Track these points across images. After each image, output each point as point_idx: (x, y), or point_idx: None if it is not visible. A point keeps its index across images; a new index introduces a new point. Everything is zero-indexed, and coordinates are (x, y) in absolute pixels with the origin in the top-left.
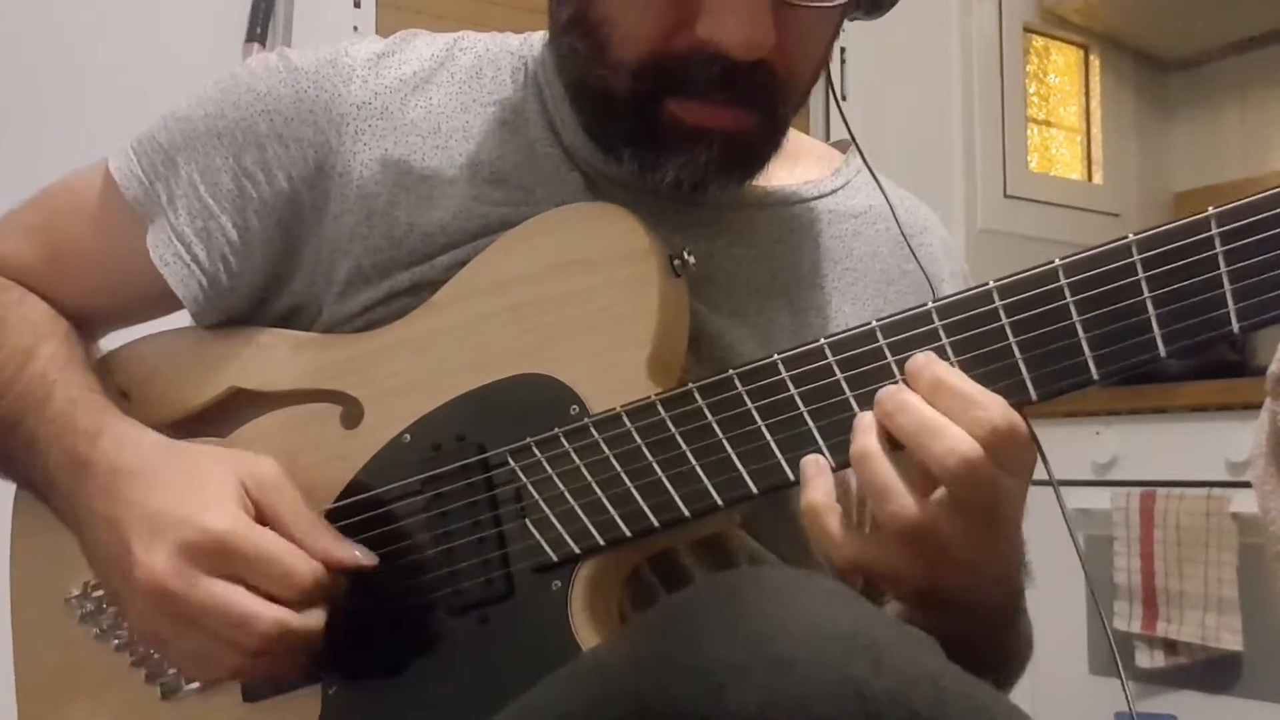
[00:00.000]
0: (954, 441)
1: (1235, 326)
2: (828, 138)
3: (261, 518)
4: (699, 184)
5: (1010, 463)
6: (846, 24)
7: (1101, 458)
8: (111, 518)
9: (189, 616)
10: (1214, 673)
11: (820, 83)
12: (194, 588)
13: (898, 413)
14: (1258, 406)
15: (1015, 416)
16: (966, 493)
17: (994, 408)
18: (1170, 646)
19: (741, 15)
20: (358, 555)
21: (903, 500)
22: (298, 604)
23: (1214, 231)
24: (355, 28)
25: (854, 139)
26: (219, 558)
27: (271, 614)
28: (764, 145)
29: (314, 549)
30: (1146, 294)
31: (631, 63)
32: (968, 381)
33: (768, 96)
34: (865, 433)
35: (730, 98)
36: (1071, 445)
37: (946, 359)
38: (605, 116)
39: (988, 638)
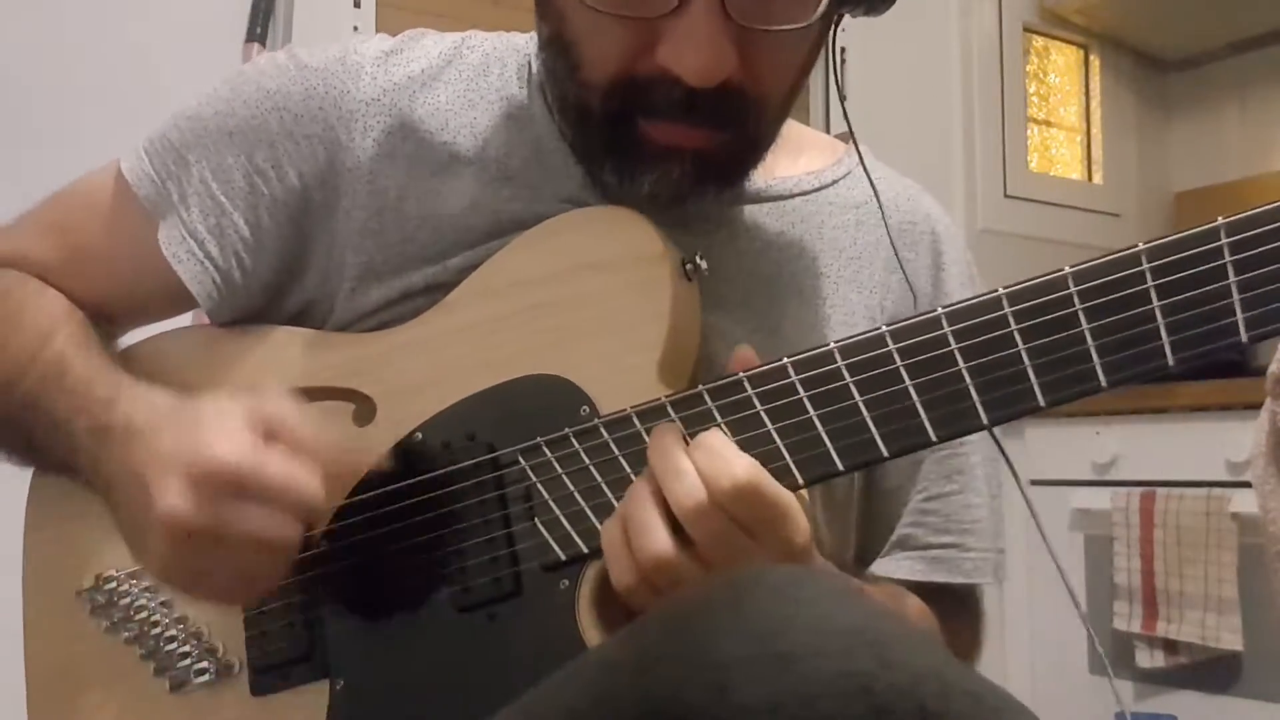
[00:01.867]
0: (691, 486)
1: (1244, 336)
2: (828, 134)
3: (275, 440)
4: (675, 198)
5: (750, 522)
6: (847, 22)
7: (1101, 458)
8: (130, 471)
9: (213, 544)
10: (1214, 673)
11: (820, 83)
12: (213, 515)
13: (653, 453)
14: (1258, 406)
15: (762, 478)
16: (703, 540)
17: (738, 464)
18: (1170, 646)
19: (699, 43)
20: (378, 460)
21: (655, 535)
22: (309, 517)
23: (1223, 241)
24: (355, 27)
25: (852, 133)
26: (231, 482)
27: (291, 527)
28: (741, 159)
29: (326, 459)
30: (1156, 303)
31: (601, 84)
32: (728, 444)
33: (737, 117)
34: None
35: (698, 120)
36: (1071, 445)
37: (955, 365)
38: (584, 131)
39: None
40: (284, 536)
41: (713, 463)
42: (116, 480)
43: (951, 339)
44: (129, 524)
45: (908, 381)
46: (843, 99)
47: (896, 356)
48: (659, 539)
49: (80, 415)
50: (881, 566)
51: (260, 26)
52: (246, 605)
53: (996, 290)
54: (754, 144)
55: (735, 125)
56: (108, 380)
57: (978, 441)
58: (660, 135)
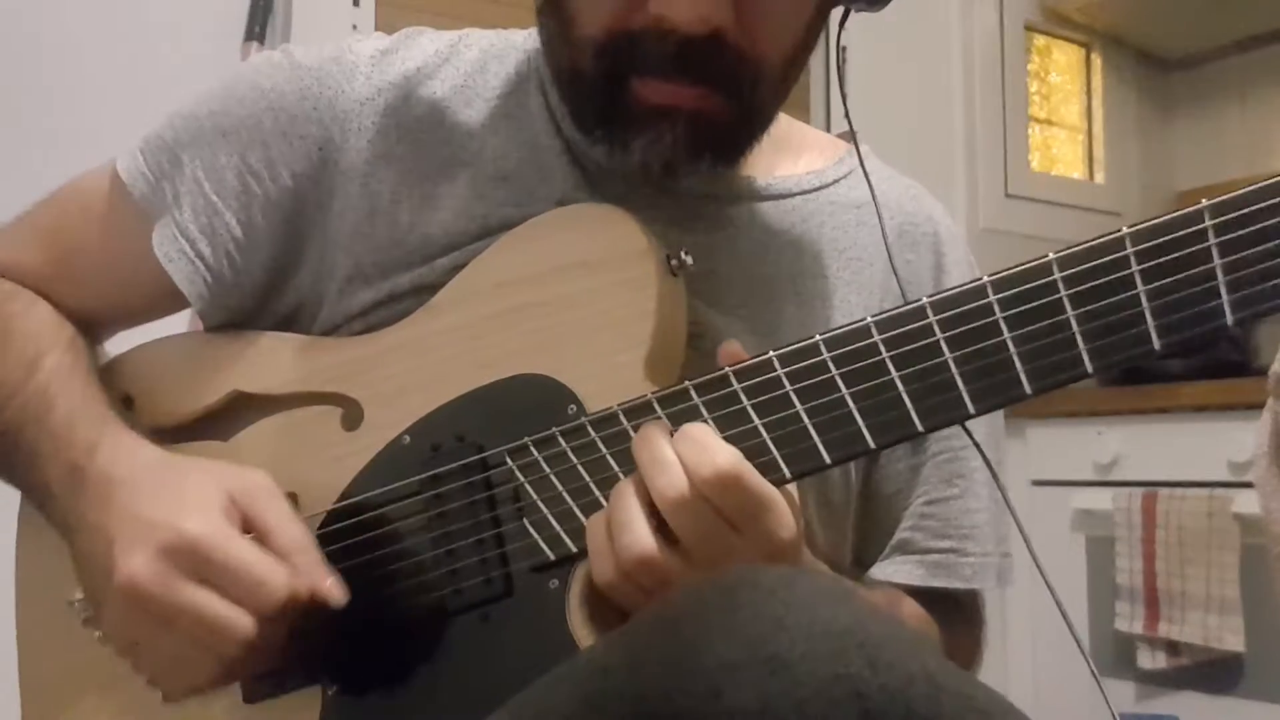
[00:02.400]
0: (674, 477)
1: (1230, 319)
2: (829, 134)
3: (248, 527)
4: (668, 166)
5: (733, 513)
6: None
7: (1103, 458)
8: (99, 524)
9: (164, 618)
10: (1216, 673)
11: (820, 82)
12: (170, 590)
13: (637, 446)
14: (1260, 407)
15: (744, 468)
16: (686, 534)
17: (720, 453)
18: (1172, 647)
19: None
20: (331, 588)
21: (637, 532)
22: (268, 617)
23: (1208, 224)
24: (354, 26)
25: (852, 128)
26: (195, 562)
27: (249, 623)
28: (736, 129)
29: (295, 564)
30: (1141, 287)
31: (594, 40)
32: (711, 434)
33: (731, 75)
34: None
35: (691, 76)
36: (1073, 446)
37: (940, 355)
38: (578, 98)
39: None
40: (228, 623)
41: (695, 453)
42: (83, 529)
43: (937, 328)
44: (89, 577)
45: (893, 372)
46: (844, 97)
47: (882, 347)
48: (641, 536)
49: (56, 458)
50: (880, 570)
51: (259, 26)
52: (171, 697)
53: (981, 278)
54: (750, 113)
55: (730, 87)
56: (91, 423)
57: (972, 445)
58: (653, 94)
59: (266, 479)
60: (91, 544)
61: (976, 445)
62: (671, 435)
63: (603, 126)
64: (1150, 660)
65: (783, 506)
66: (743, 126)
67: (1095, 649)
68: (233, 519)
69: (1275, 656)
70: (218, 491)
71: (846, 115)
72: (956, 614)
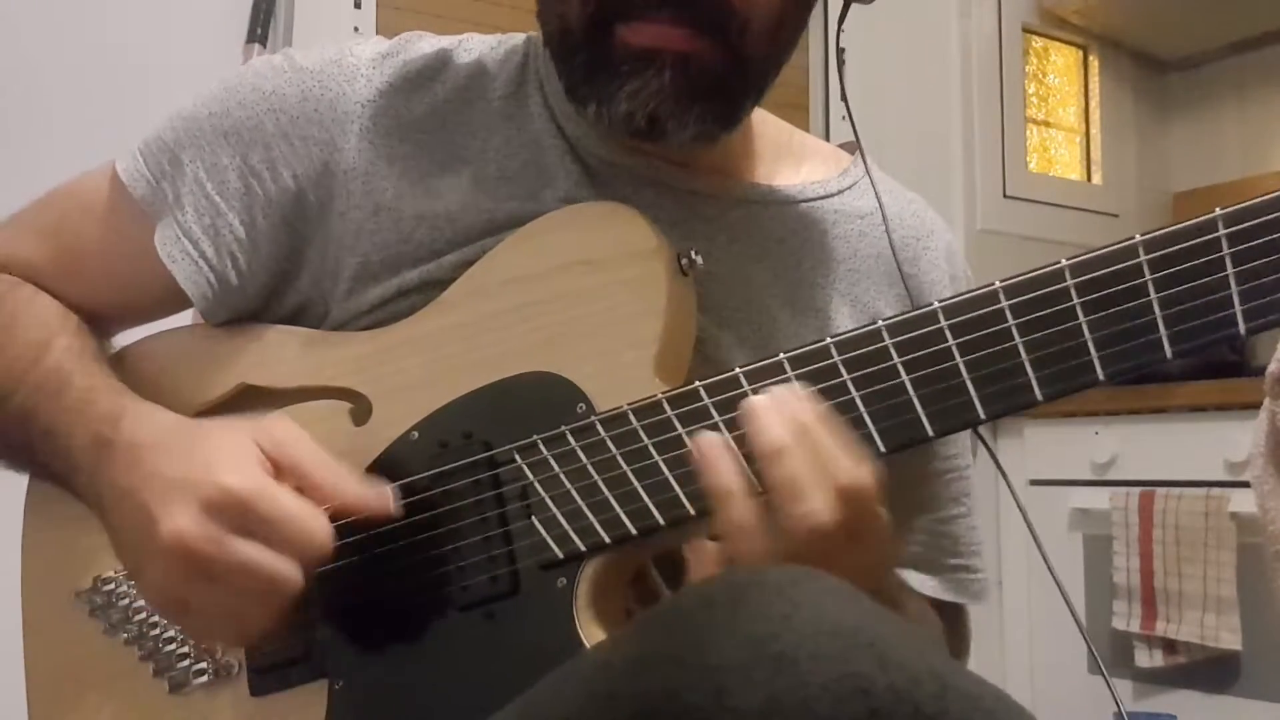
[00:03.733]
0: (812, 506)
1: (1242, 328)
2: (828, 140)
3: (281, 473)
4: (654, 116)
5: (859, 532)
6: (846, 23)
7: (1100, 457)
8: (133, 488)
9: (214, 574)
10: (1213, 672)
11: (820, 84)
12: (218, 545)
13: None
14: (1256, 406)
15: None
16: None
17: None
18: (1169, 646)
19: None
20: (386, 498)
21: (817, 502)
22: (314, 562)
23: (1221, 233)
24: (356, 28)
25: (858, 139)
26: (239, 515)
27: (295, 572)
28: (725, 79)
29: (339, 494)
30: (1153, 295)
31: None
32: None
33: (717, 17)
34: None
35: (676, 16)
36: (1071, 445)
37: (952, 360)
38: (567, 57)
39: None
40: (281, 575)
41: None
42: (116, 498)
43: (948, 333)
44: (127, 543)
45: (904, 376)
46: (845, 99)
47: (893, 351)
48: (821, 505)
49: (79, 431)
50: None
51: (261, 27)
52: (234, 645)
53: (993, 283)
54: (739, 63)
55: (716, 30)
56: (110, 395)
57: (972, 465)
58: (638, 36)
59: (289, 423)
60: (127, 510)
61: (989, 448)
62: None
63: (590, 81)
64: (1147, 659)
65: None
66: (732, 77)
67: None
68: (267, 469)
69: (1272, 655)
70: (247, 442)
71: (849, 116)
72: (958, 624)
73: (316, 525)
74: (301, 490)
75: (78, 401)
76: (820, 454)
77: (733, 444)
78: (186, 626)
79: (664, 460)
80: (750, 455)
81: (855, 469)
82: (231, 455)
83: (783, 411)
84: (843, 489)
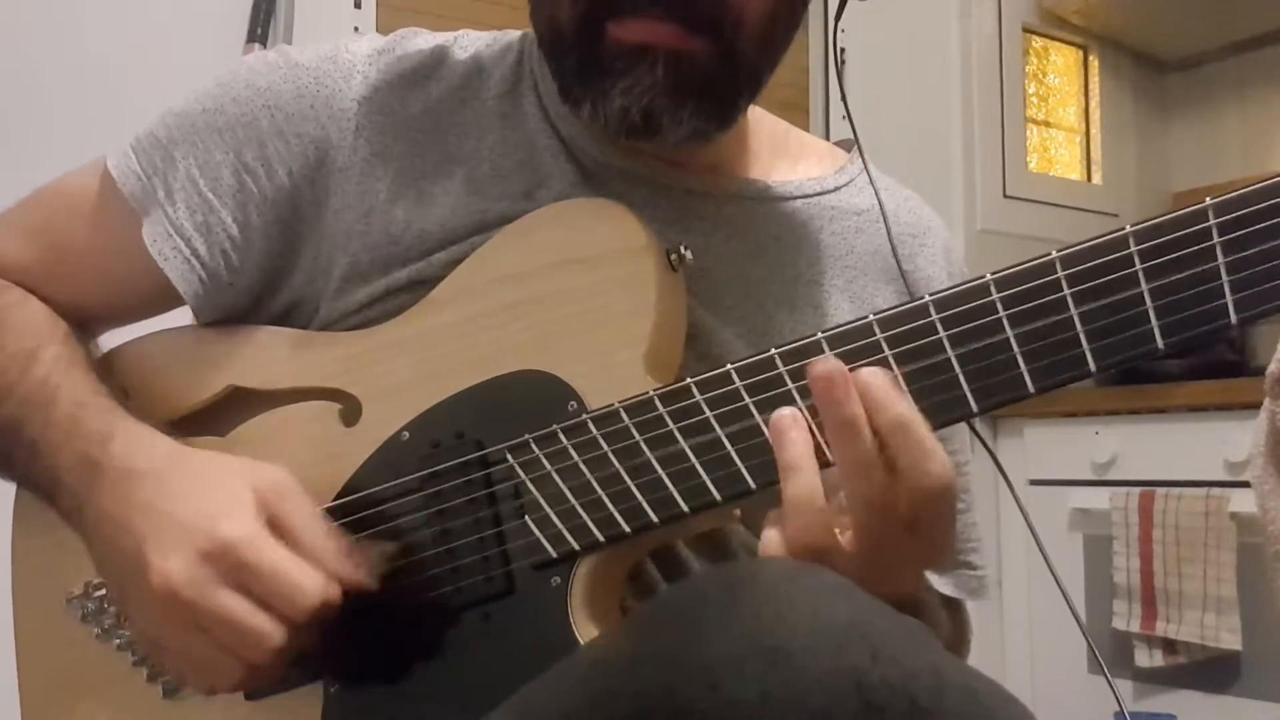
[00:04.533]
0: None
1: (1233, 318)
2: (827, 140)
3: (274, 527)
4: (648, 112)
5: (919, 521)
6: (846, 23)
7: (1101, 457)
8: (122, 518)
9: (199, 625)
10: (1213, 672)
11: (820, 84)
12: (207, 597)
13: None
14: (1256, 406)
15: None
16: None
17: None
18: (1169, 646)
19: None
20: (364, 577)
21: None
22: (302, 622)
23: (1211, 222)
24: (356, 28)
25: (856, 137)
26: (231, 567)
27: (281, 632)
28: (718, 76)
29: (324, 564)
30: (1145, 285)
31: None
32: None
33: (709, 16)
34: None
35: (666, 12)
36: (1071, 445)
37: (944, 353)
38: (559, 57)
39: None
40: (264, 633)
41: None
42: (103, 526)
43: (939, 326)
44: (113, 572)
45: (896, 370)
46: (845, 99)
47: (884, 345)
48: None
49: (66, 450)
50: None
51: (261, 27)
52: (206, 693)
53: (984, 276)
54: (732, 60)
55: (708, 27)
56: (100, 413)
57: (970, 461)
58: (629, 33)
59: (289, 476)
60: (116, 540)
61: (986, 446)
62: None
63: (583, 80)
64: (1147, 659)
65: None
66: (725, 74)
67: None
68: (263, 520)
69: (1272, 655)
70: (246, 490)
71: (848, 116)
72: (961, 620)
73: (306, 580)
74: (290, 544)
75: (65, 418)
76: (894, 437)
77: (808, 417)
78: (166, 665)
79: (656, 458)
80: (821, 426)
81: (928, 460)
82: (229, 500)
83: (861, 389)
84: (908, 476)
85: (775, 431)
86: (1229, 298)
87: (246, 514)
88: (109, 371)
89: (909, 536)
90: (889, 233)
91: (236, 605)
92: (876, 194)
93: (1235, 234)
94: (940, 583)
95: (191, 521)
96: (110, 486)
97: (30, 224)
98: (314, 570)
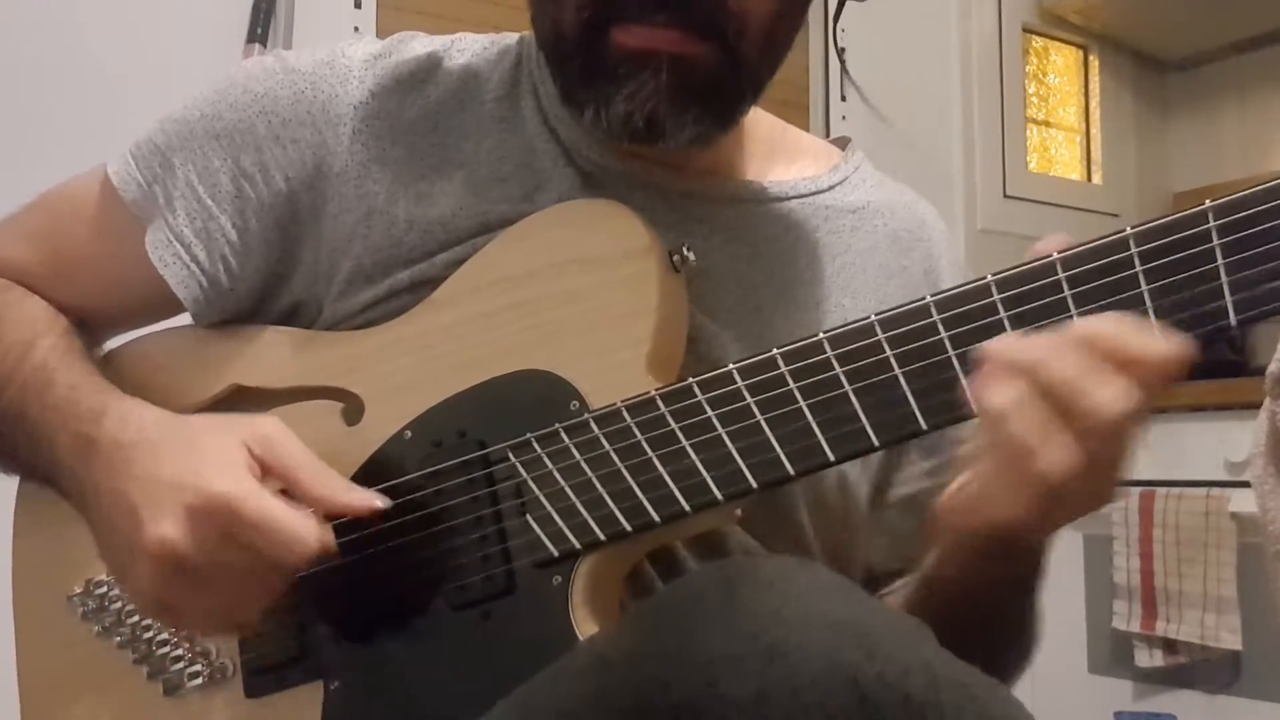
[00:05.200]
0: (1110, 396)
1: (1233, 320)
2: (827, 138)
3: (270, 474)
4: (652, 118)
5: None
6: (846, 23)
7: None
8: (117, 490)
9: (198, 579)
10: (1213, 672)
11: (820, 84)
12: (203, 550)
13: (1039, 370)
14: (1257, 406)
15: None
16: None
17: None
18: (1169, 646)
19: None
20: (373, 500)
21: (1061, 449)
22: (300, 565)
23: (1211, 225)
24: (356, 28)
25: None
26: (224, 520)
27: (282, 580)
28: (721, 81)
29: (326, 497)
30: (1144, 287)
31: None
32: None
33: (712, 21)
34: (1005, 391)
35: (670, 18)
36: None
37: (945, 353)
38: (562, 63)
39: (1030, 584)
40: (264, 581)
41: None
42: (100, 498)
43: (941, 326)
44: (111, 544)
45: (897, 370)
46: (857, 89)
47: (885, 345)
48: (1068, 454)
49: (64, 429)
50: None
51: (261, 27)
52: (220, 635)
53: (985, 276)
54: (735, 64)
55: (712, 32)
56: (93, 393)
57: None
58: (632, 39)
59: (278, 424)
60: (111, 511)
61: None
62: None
63: (586, 85)
64: (1148, 659)
65: None
66: (728, 79)
67: (1093, 647)
68: (254, 470)
69: (1272, 655)
70: (234, 443)
71: (862, 99)
72: None
73: (302, 528)
74: (289, 493)
75: (61, 400)
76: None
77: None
78: (172, 625)
79: (658, 457)
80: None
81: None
82: (219, 458)
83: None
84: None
85: (987, 371)
86: (1229, 299)
87: (236, 467)
88: (110, 371)
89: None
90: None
91: (233, 557)
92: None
93: (1235, 235)
94: None
95: (181, 481)
96: (104, 461)
97: (33, 229)
98: (308, 518)
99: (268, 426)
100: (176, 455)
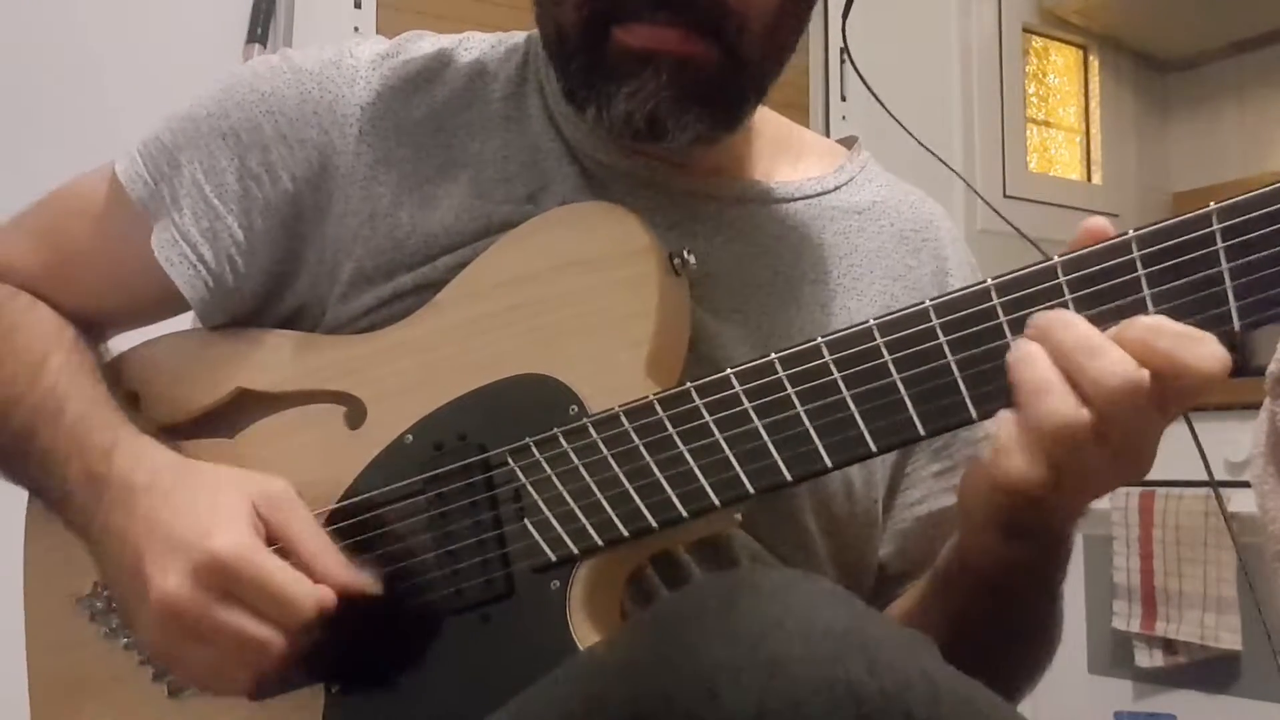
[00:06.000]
0: (1115, 362)
1: (1237, 324)
2: (828, 138)
3: (272, 536)
4: (653, 117)
5: (1169, 398)
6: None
7: None
8: (124, 532)
9: (200, 636)
10: (1213, 672)
11: (820, 84)
12: (205, 613)
13: (1057, 328)
14: (1257, 406)
15: (1221, 354)
16: (1114, 417)
17: (1207, 343)
18: (1169, 646)
19: None
20: (363, 582)
21: (1062, 398)
22: (298, 631)
23: (1215, 227)
24: (356, 28)
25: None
26: (228, 581)
27: (281, 641)
28: (723, 81)
29: (321, 571)
30: (1147, 291)
31: None
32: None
33: (714, 21)
34: (1026, 343)
35: (671, 18)
36: None
37: (944, 358)
38: (564, 61)
39: (1053, 580)
40: (265, 642)
41: (1148, 339)
42: (109, 538)
43: (940, 331)
44: (117, 585)
45: (895, 375)
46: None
47: (884, 350)
48: (1067, 403)
49: (75, 460)
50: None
51: (261, 28)
52: (222, 692)
53: (985, 281)
54: (737, 64)
55: (713, 32)
56: (103, 424)
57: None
58: (633, 38)
59: (287, 487)
60: (118, 552)
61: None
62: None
63: (588, 84)
64: (1147, 659)
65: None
66: (730, 79)
67: (1093, 647)
68: (259, 531)
69: (1272, 655)
70: (242, 502)
71: (870, 94)
72: None
73: (302, 592)
74: (288, 557)
75: (72, 429)
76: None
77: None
78: (174, 673)
79: (656, 462)
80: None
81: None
82: (226, 513)
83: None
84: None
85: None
86: (1232, 304)
87: (241, 526)
88: (118, 376)
89: (1163, 417)
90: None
91: (234, 619)
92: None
93: (1239, 239)
94: None
95: (187, 536)
96: (113, 501)
97: (39, 228)
98: (308, 580)
99: (275, 486)
100: (186, 508)
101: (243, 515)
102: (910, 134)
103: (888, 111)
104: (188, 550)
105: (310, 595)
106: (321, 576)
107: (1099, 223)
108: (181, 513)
